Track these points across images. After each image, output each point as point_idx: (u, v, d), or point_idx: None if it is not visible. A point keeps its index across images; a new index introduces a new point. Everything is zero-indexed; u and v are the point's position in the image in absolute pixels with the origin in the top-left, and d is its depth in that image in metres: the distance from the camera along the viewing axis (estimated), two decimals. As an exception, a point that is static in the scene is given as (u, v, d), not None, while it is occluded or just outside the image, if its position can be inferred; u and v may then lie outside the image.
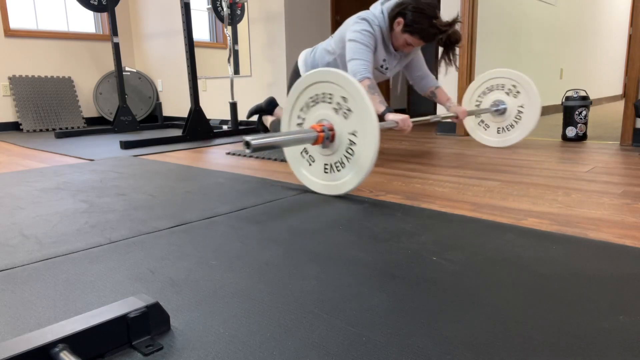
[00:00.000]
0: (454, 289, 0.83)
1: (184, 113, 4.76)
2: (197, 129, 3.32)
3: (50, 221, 1.32)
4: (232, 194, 1.62)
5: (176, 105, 4.91)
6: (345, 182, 1.50)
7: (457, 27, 2.10)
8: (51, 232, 1.22)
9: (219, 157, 2.52)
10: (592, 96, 5.81)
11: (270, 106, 2.78)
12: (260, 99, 3.99)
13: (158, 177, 1.94)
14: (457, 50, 2.17)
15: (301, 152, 1.64)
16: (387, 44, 2.18)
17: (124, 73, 4.39)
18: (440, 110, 3.33)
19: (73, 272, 0.95)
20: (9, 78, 4.30)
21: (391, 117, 1.96)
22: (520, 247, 1.04)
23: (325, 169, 1.57)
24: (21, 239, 1.17)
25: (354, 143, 1.45)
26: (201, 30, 4.43)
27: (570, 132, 2.77)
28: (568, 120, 2.76)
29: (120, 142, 2.93)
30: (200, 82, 4.48)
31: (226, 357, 0.64)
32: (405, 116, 1.94)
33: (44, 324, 0.74)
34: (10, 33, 4.26)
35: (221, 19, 3.79)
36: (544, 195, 1.51)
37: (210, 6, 3.77)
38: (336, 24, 4.23)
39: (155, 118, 5.05)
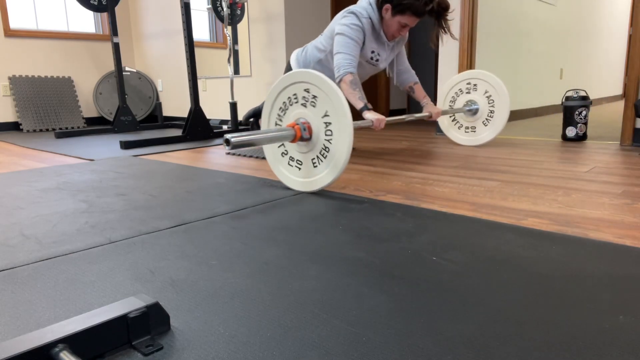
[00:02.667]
0: (454, 289, 0.83)
1: (184, 113, 4.76)
2: (197, 129, 3.32)
3: (50, 221, 1.32)
4: (232, 194, 1.62)
5: (176, 105, 4.91)
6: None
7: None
8: (51, 232, 1.22)
9: (219, 157, 2.52)
10: (592, 96, 5.81)
11: None
12: (260, 99, 3.99)
13: (158, 177, 1.94)
14: (449, 16, 2.19)
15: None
16: (379, 35, 2.20)
17: (124, 73, 4.39)
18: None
19: (73, 272, 0.95)
20: (9, 78, 4.30)
21: (368, 115, 2.01)
22: (520, 247, 1.04)
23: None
24: (21, 239, 1.17)
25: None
26: (201, 30, 4.43)
27: (570, 132, 2.77)
28: (568, 120, 2.77)
29: (120, 142, 2.93)
30: (200, 82, 4.48)
31: (226, 357, 0.64)
32: (381, 116, 1.99)
33: (44, 324, 0.74)
34: (10, 33, 4.26)
35: (221, 19, 3.79)
36: (544, 195, 1.51)
37: (210, 6, 3.77)
38: (336, 24, 4.23)
39: (155, 118, 5.05)
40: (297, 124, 1.56)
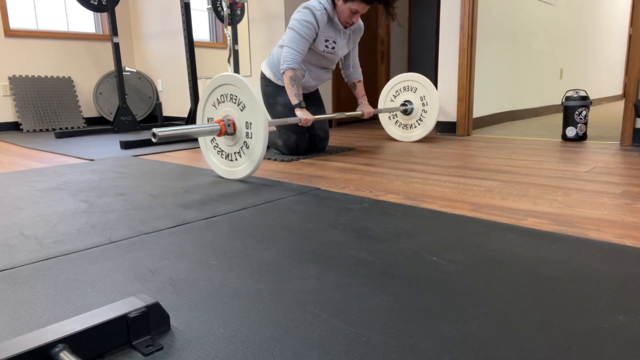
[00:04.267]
0: (454, 289, 0.83)
1: (184, 113, 4.76)
2: (197, 129, 3.32)
3: (50, 221, 1.32)
4: (232, 194, 1.62)
5: (176, 105, 4.90)
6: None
7: None
8: (51, 232, 1.22)
9: (219, 157, 2.52)
10: (592, 96, 5.81)
11: None
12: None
13: (158, 177, 1.94)
14: (396, 4, 2.32)
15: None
16: (336, 23, 2.30)
17: (124, 73, 4.39)
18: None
19: (73, 272, 0.95)
20: (9, 78, 4.30)
21: (298, 113, 2.19)
22: (520, 247, 1.04)
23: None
24: (21, 239, 1.17)
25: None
26: (201, 30, 4.43)
27: (570, 132, 2.77)
28: (568, 121, 2.77)
29: (120, 142, 2.93)
30: (200, 82, 4.48)
31: (226, 357, 0.64)
32: (310, 116, 2.17)
33: (44, 324, 0.74)
34: (10, 33, 4.26)
35: (221, 19, 3.79)
36: (544, 195, 1.51)
37: (210, 6, 3.76)
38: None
39: (155, 118, 5.05)
40: (223, 121, 1.78)
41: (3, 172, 2.18)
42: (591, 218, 1.26)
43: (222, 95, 1.82)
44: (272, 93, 2.46)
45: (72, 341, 0.60)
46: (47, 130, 4.38)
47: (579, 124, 2.74)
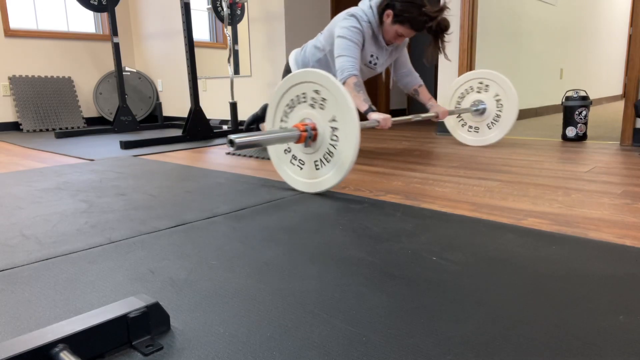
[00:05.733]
0: (454, 289, 0.83)
1: (184, 113, 4.75)
2: (197, 129, 3.32)
3: (50, 221, 1.32)
4: (232, 194, 1.62)
5: (176, 105, 4.90)
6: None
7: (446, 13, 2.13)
8: (51, 232, 1.22)
9: (219, 157, 2.52)
10: (592, 96, 5.81)
11: (265, 113, 2.78)
12: (260, 99, 3.99)
13: (158, 177, 1.94)
14: (447, 37, 2.18)
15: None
16: (378, 39, 2.19)
17: (124, 73, 4.39)
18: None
19: (73, 272, 0.95)
20: (9, 78, 4.30)
21: (374, 116, 2.01)
22: (520, 247, 1.04)
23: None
24: (21, 239, 1.17)
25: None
26: (201, 30, 4.43)
27: (570, 132, 2.77)
28: (568, 120, 2.76)
29: (120, 142, 2.93)
30: (200, 82, 4.48)
31: (226, 357, 0.64)
32: (387, 116, 1.99)
33: (44, 324, 0.74)
34: (10, 33, 4.26)
35: (221, 19, 3.79)
36: (544, 195, 1.51)
37: (210, 6, 3.76)
38: (336, 24, 4.23)
39: (155, 118, 5.05)
40: (303, 125, 1.54)
41: (3, 172, 2.18)
42: (591, 218, 1.26)
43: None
44: None
45: (72, 341, 0.60)
46: (47, 130, 4.38)
47: (579, 124, 2.74)
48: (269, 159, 2.37)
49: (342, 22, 2.12)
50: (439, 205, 1.42)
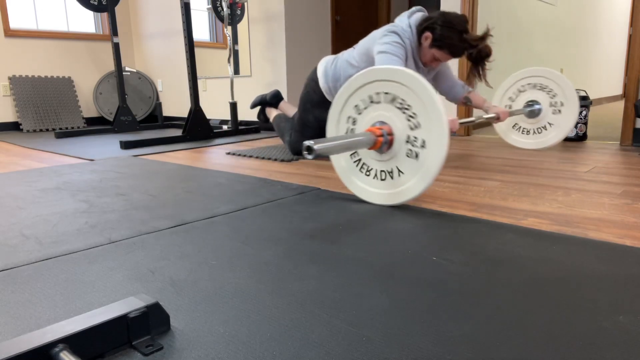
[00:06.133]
0: (453, 289, 0.83)
1: (184, 113, 4.75)
2: (197, 129, 3.32)
3: (50, 221, 1.32)
4: (232, 194, 1.62)
5: (176, 105, 4.90)
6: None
7: (489, 40, 2.00)
8: (51, 232, 1.22)
9: (219, 157, 2.52)
10: (592, 96, 5.81)
11: (274, 99, 2.76)
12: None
13: (158, 177, 1.94)
14: (488, 65, 2.06)
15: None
16: (416, 59, 2.09)
17: (124, 73, 4.39)
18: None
19: (73, 272, 0.95)
20: (9, 78, 4.30)
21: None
22: (520, 247, 1.04)
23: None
24: (21, 239, 1.17)
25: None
26: (201, 30, 4.43)
27: (571, 132, 2.77)
28: (568, 120, 2.75)
29: (120, 142, 2.93)
30: (200, 82, 4.48)
31: (226, 357, 0.64)
32: (454, 117, 1.91)
33: (44, 324, 0.74)
34: (10, 33, 4.26)
35: (221, 19, 3.79)
36: (544, 195, 1.51)
37: (210, 6, 3.76)
38: (336, 24, 4.23)
39: (155, 118, 5.05)
40: (379, 129, 1.37)
41: (3, 172, 2.18)
42: (591, 218, 1.26)
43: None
44: (315, 101, 2.29)
45: (72, 341, 0.60)
46: (47, 130, 4.38)
47: (579, 124, 2.74)
48: (269, 158, 2.36)
49: (383, 39, 2.00)
50: (439, 205, 1.42)
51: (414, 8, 2.08)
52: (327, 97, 2.24)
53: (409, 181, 1.36)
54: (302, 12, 3.82)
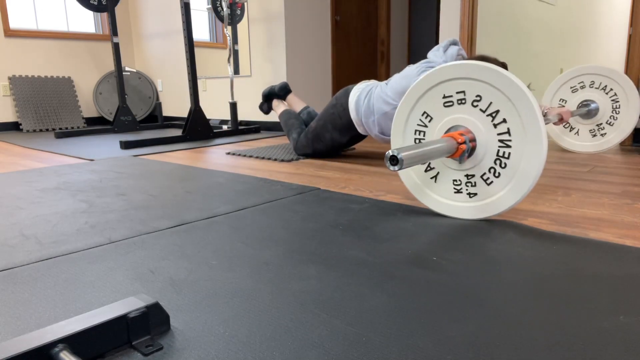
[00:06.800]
0: (454, 289, 0.83)
1: (184, 113, 4.75)
2: (197, 129, 3.32)
3: (50, 221, 1.32)
4: (232, 194, 1.62)
5: (176, 105, 4.90)
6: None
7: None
8: (51, 232, 1.22)
9: (219, 157, 2.52)
10: (592, 96, 5.80)
11: (282, 91, 2.77)
12: (260, 99, 3.99)
13: (158, 177, 1.94)
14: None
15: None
16: None
17: (124, 73, 4.39)
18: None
19: (73, 272, 0.95)
20: (9, 78, 4.30)
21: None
22: (520, 247, 1.04)
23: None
24: (21, 239, 1.17)
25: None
26: (201, 30, 4.43)
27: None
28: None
29: (120, 142, 2.93)
30: (200, 82, 4.48)
31: (226, 357, 0.64)
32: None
33: (44, 324, 0.74)
34: (10, 33, 4.26)
35: (221, 19, 3.79)
36: (544, 195, 1.51)
37: (210, 6, 3.76)
38: (336, 24, 4.23)
39: (155, 118, 5.05)
40: (461, 135, 1.22)
41: (3, 172, 2.18)
42: (591, 218, 1.26)
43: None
44: (338, 126, 2.25)
45: (72, 341, 0.60)
46: (47, 130, 4.38)
47: (580, 124, 2.73)
48: (268, 158, 2.37)
49: (422, 74, 1.93)
50: (439, 205, 1.42)
51: (447, 41, 2.02)
52: (358, 129, 2.22)
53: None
54: (302, 12, 3.82)
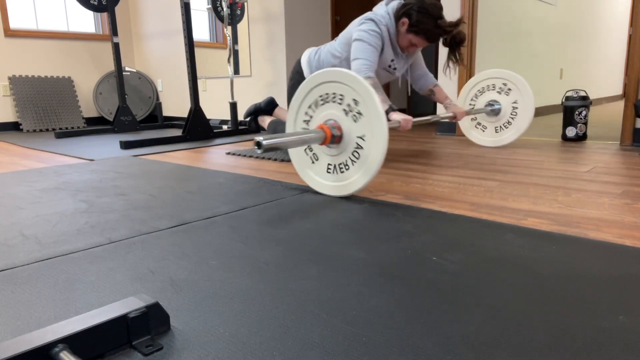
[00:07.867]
0: (454, 289, 0.83)
1: (184, 113, 4.75)
2: (197, 129, 3.32)
3: (50, 221, 1.32)
4: (232, 194, 1.62)
5: (176, 105, 4.90)
6: (353, 181, 1.50)
7: (462, 27, 2.11)
8: (51, 232, 1.22)
9: (219, 157, 2.52)
10: (592, 96, 5.81)
11: (269, 106, 2.76)
12: (260, 99, 3.99)
13: (158, 177, 1.94)
14: (462, 49, 2.19)
15: (305, 151, 1.63)
16: (395, 45, 2.17)
17: (124, 73, 4.39)
18: (440, 110, 3.33)
19: (73, 272, 0.95)
20: (9, 78, 4.30)
21: (394, 116, 1.97)
22: (520, 247, 1.04)
23: (329, 169, 1.57)
24: (21, 239, 1.17)
25: (362, 144, 1.45)
26: (201, 30, 4.43)
27: (570, 132, 2.77)
28: (568, 120, 2.76)
29: (120, 142, 2.93)
30: (200, 82, 4.48)
31: (226, 357, 0.64)
32: (408, 117, 1.95)
33: (44, 324, 0.74)
34: (10, 33, 4.26)
35: (221, 19, 3.79)
36: (544, 195, 1.51)
37: (210, 6, 3.77)
38: (336, 24, 4.23)
39: (155, 118, 5.05)
40: (327, 125, 1.50)
41: (3, 172, 2.18)
42: (591, 218, 1.26)
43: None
44: None
45: (72, 341, 0.60)
46: (47, 130, 4.38)
47: (579, 124, 2.74)
48: (269, 158, 2.37)
49: (360, 26, 2.08)
50: (439, 205, 1.42)
51: None
52: None
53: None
54: (302, 12, 3.82)
